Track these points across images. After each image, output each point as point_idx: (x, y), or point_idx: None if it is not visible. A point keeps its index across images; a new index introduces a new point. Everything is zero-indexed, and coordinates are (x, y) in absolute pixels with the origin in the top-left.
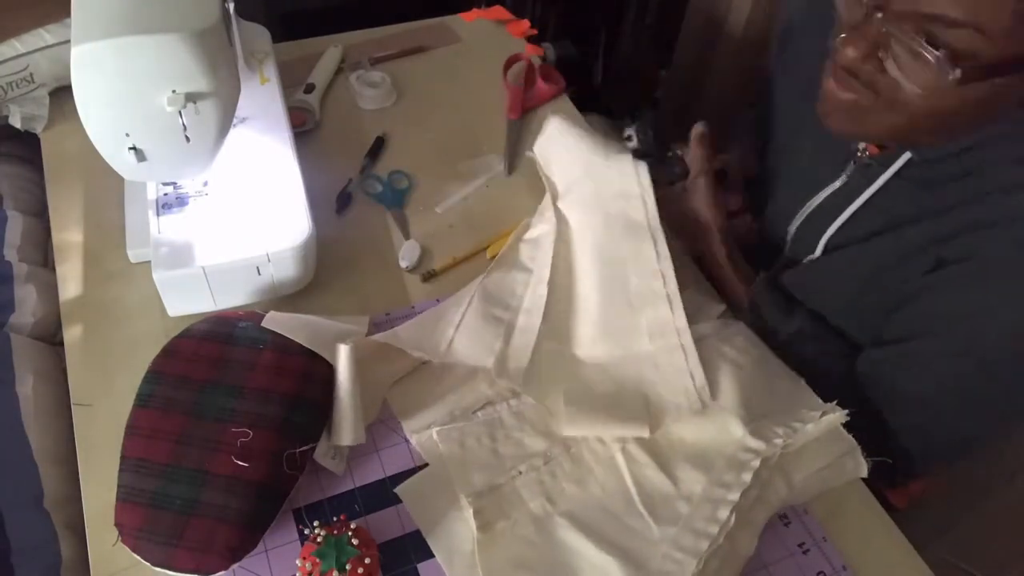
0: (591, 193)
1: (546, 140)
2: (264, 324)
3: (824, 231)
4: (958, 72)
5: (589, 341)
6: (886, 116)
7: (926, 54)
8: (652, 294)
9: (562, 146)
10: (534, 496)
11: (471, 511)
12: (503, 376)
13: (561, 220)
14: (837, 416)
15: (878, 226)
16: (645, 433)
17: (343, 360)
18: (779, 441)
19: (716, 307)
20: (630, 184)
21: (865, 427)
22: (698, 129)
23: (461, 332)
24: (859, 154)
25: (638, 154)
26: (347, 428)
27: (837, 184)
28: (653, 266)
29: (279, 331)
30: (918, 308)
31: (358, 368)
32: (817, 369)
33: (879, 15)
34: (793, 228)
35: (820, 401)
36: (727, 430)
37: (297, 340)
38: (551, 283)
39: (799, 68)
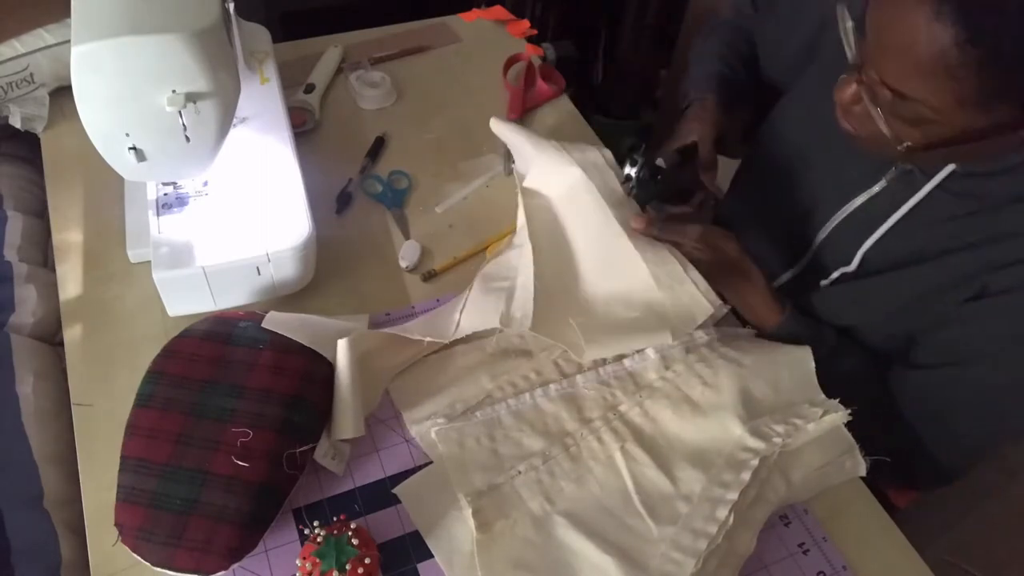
0: (556, 160)
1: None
2: (264, 324)
3: (862, 241)
4: (906, 144)
5: (590, 283)
6: (882, 149)
7: (880, 124)
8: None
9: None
10: (533, 496)
11: (470, 511)
12: (511, 326)
13: (533, 192)
14: (838, 416)
15: (921, 243)
16: (668, 339)
17: (343, 354)
18: (778, 440)
19: (718, 311)
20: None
21: (893, 437)
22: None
23: (467, 311)
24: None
25: (638, 199)
26: (347, 422)
27: (876, 189)
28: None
29: (279, 331)
30: (959, 332)
31: (359, 361)
32: (851, 383)
33: (860, 72)
34: (824, 234)
35: (824, 397)
36: (726, 429)
37: (298, 340)
38: (539, 245)
39: (833, 68)
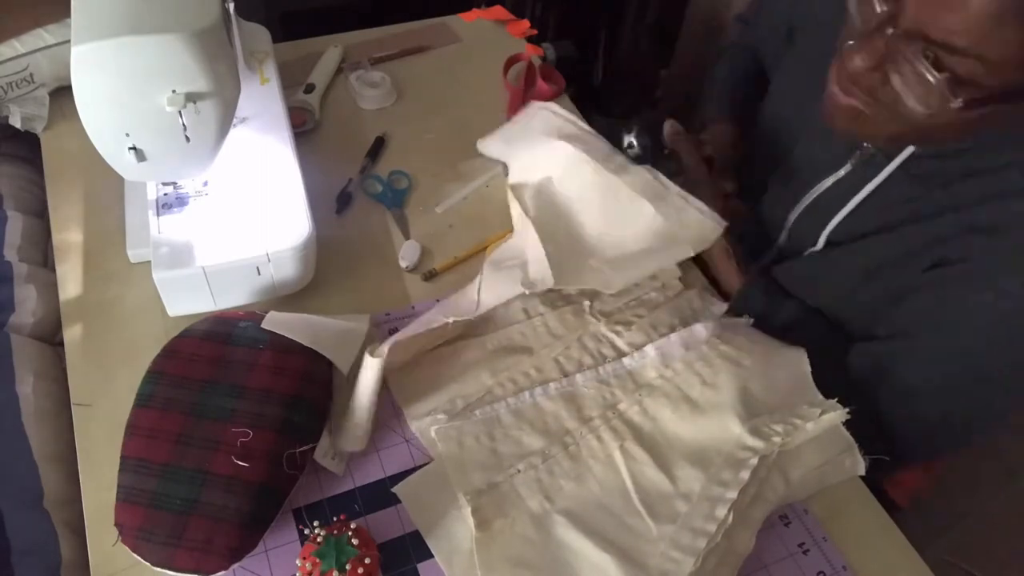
0: (542, 143)
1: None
2: (264, 325)
3: (826, 223)
4: (960, 100)
5: (599, 233)
6: (886, 124)
7: (929, 77)
8: (629, 170)
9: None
10: (532, 494)
11: (469, 510)
12: (534, 288)
13: (522, 185)
14: (837, 415)
15: (880, 221)
16: (691, 252)
17: (371, 371)
18: (777, 439)
19: (718, 306)
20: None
21: (858, 417)
22: (669, 128)
23: (484, 289)
24: (864, 145)
25: (639, 161)
26: (355, 435)
27: (840, 174)
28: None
29: (279, 331)
30: (915, 304)
31: (382, 378)
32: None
33: (890, 30)
34: (792, 217)
35: (822, 397)
36: (726, 428)
37: (298, 340)
38: (540, 219)
39: (810, 54)
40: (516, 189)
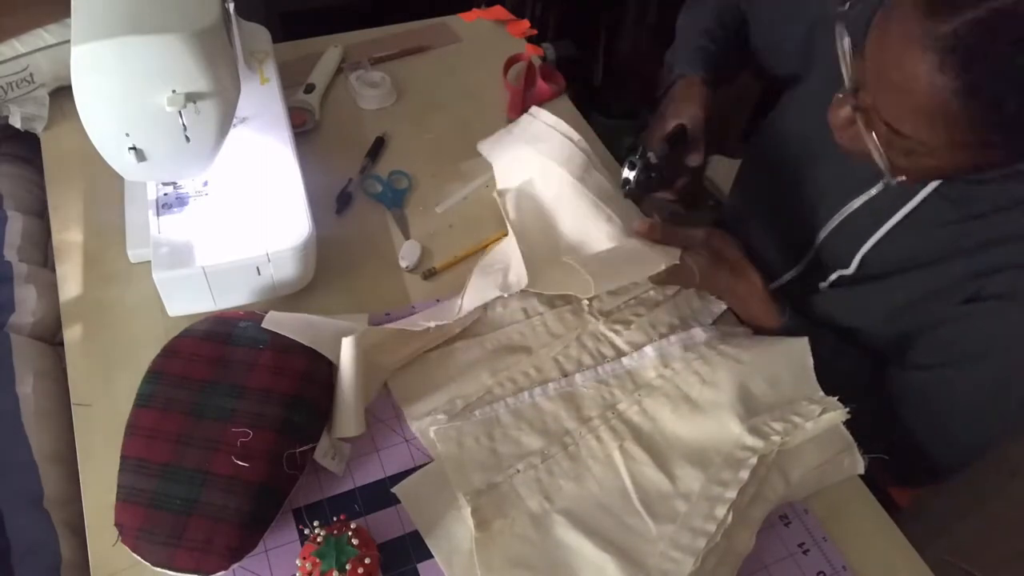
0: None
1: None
2: (264, 325)
3: (860, 245)
4: (901, 177)
5: (571, 241)
6: (874, 165)
7: (874, 153)
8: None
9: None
10: (532, 494)
11: (469, 510)
12: (509, 290)
13: (509, 190)
14: (837, 414)
15: (916, 248)
16: (676, 258)
17: (347, 351)
18: (777, 438)
19: (717, 305)
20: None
21: (890, 437)
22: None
23: (467, 294)
24: None
25: (632, 196)
26: (349, 420)
27: (873, 192)
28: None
29: (279, 331)
30: (954, 334)
31: (362, 357)
32: (849, 385)
33: (855, 99)
34: (822, 236)
35: (823, 394)
36: (725, 427)
37: (298, 340)
38: (523, 222)
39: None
40: (501, 193)
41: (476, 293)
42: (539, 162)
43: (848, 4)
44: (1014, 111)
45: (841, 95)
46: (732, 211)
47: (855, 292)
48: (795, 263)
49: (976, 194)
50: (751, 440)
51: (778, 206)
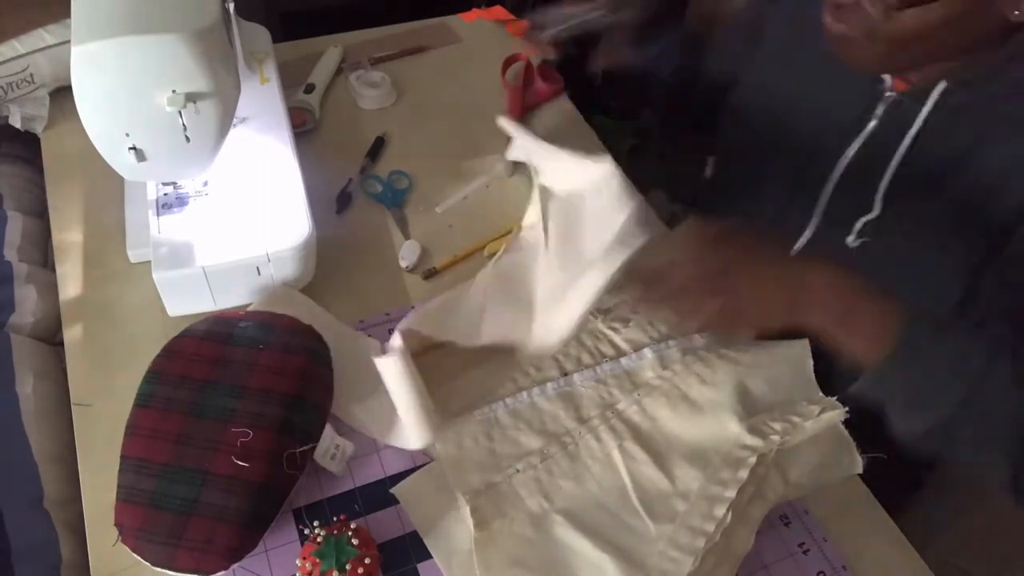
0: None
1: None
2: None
3: (876, 184)
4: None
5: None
6: (870, 46)
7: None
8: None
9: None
10: (531, 494)
11: (468, 509)
12: (526, 351)
13: (548, 189)
14: (836, 413)
15: (941, 163)
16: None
17: (390, 373)
18: (776, 438)
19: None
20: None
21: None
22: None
23: (487, 321)
24: (886, 93)
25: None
26: (411, 434)
27: (869, 128)
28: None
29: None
30: None
31: (408, 370)
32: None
33: None
34: (825, 197)
35: (822, 394)
36: (724, 427)
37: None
38: (552, 248)
39: (792, 7)
40: (543, 192)
41: (498, 327)
42: (600, 173)
43: None
44: None
45: None
46: (720, 185)
47: (900, 234)
48: (804, 226)
49: (979, 98)
50: (750, 439)
51: (768, 169)
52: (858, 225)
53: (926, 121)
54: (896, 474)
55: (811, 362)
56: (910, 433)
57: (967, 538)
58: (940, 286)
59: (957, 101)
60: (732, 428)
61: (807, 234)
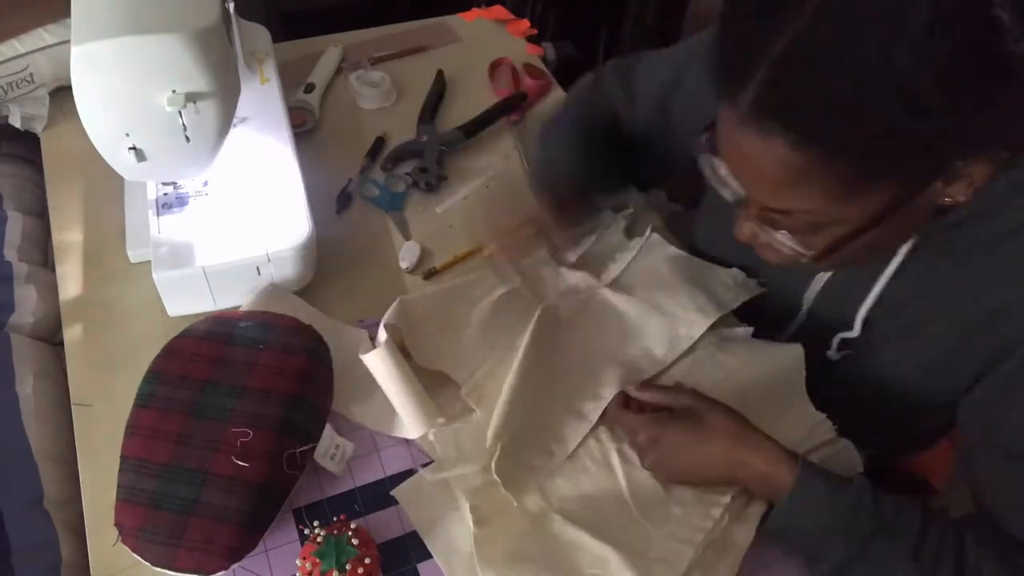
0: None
1: None
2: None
3: (857, 307)
4: (811, 253)
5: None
6: (803, 266)
7: (786, 244)
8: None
9: None
10: (529, 493)
11: (468, 506)
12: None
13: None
14: (826, 428)
15: (924, 299)
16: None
17: (378, 368)
18: None
19: (714, 312)
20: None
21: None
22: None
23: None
24: None
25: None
26: (408, 423)
27: None
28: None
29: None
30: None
31: (397, 363)
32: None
33: (746, 208)
34: (810, 299)
35: (814, 410)
36: None
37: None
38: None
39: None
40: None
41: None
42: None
43: (705, 135)
44: (849, 138)
45: (737, 215)
46: (711, 227)
47: (875, 355)
48: (787, 327)
49: (959, 235)
50: None
51: (750, 267)
52: (836, 340)
53: (909, 256)
54: (897, 473)
55: (804, 371)
56: None
57: None
58: (934, 399)
59: (936, 244)
60: None
61: (792, 329)
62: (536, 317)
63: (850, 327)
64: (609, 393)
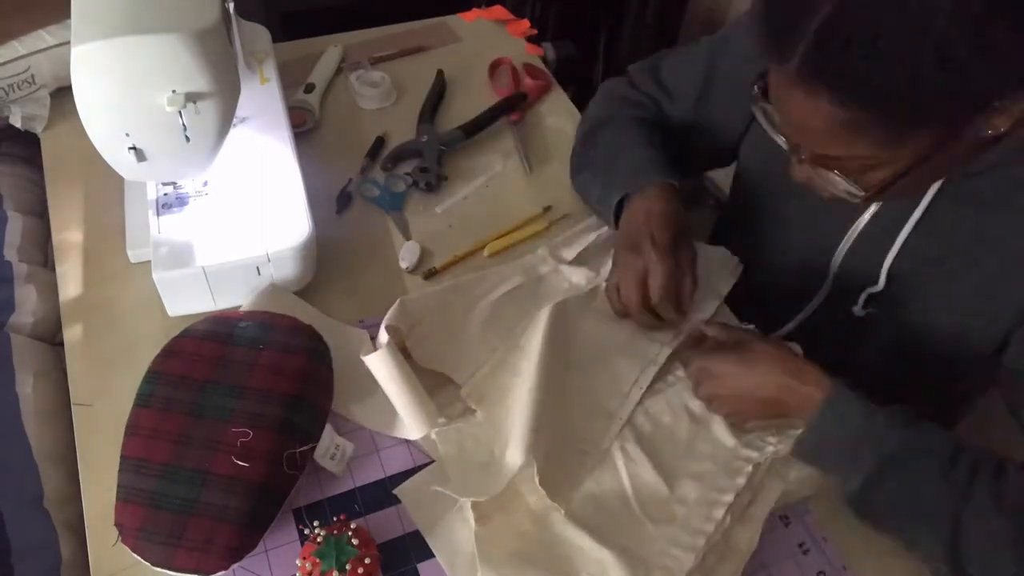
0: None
1: None
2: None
3: (881, 259)
4: (859, 198)
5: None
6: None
7: (839, 186)
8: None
9: None
10: (532, 491)
11: (469, 504)
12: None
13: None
14: None
15: (943, 246)
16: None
17: (379, 369)
18: (771, 448)
19: (711, 304)
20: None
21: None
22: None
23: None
24: None
25: None
26: (409, 424)
27: (873, 207)
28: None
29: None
30: None
31: (398, 364)
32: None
33: (799, 153)
34: (838, 259)
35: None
36: (721, 441)
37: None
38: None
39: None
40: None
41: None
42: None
43: (756, 87)
44: (890, 89)
45: (791, 159)
46: (738, 217)
47: (901, 309)
48: (814, 292)
49: (981, 185)
50: (746, 452)
51: (779, 239)
52: (863, 296)
53: (932, 204)
54: None
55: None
56: (848, 497)
57: None
58: (959, 356)
59: (957, 191)
60: (727, 442)
61: (814, 302)
62: (548, 318)
63: (876, 282)
64: (634, 391)
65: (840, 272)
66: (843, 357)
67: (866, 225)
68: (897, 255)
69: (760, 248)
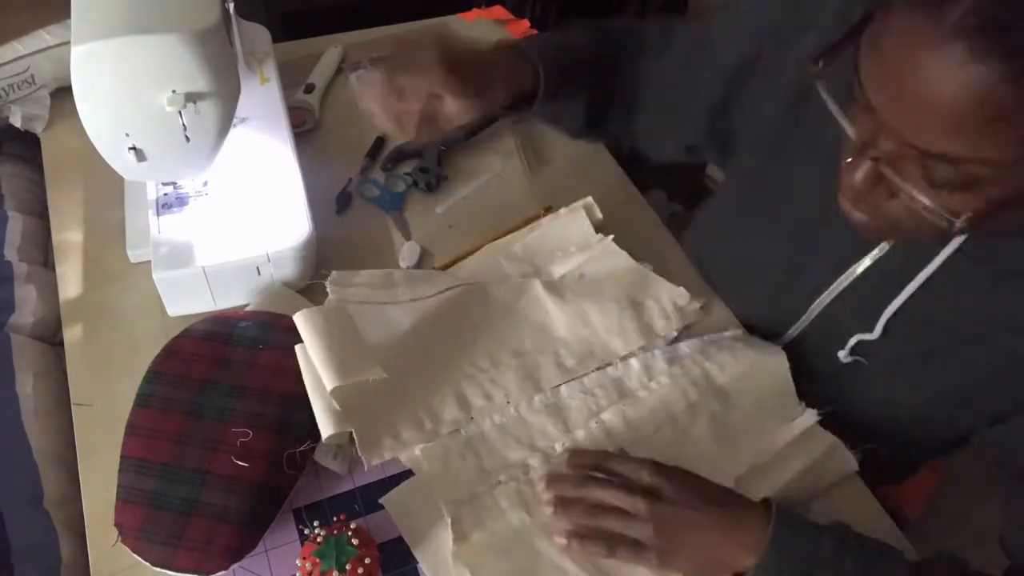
0: None
1: None
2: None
3: (881, 307)
4: (962, 220)
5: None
6: (915, 231)
7: (922, 198)
8: None
9: None
10: (513, 507)
11: (449, 521)
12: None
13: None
14: (807, 417)
15: (953, 317)
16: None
17: (306, 330)
18: (751, 459)
19: (636, 342)
20: None
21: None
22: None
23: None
24: None
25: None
26: (320, 419)
27: (877, 254)
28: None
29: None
30: None
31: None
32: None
33: (875, 149)
34: (825, 301)
35: (797, 400)
36: (705, 452)
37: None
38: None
39: (810, 127)
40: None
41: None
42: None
43: (821, 63)
44: None
45: (849, 160)
46: (704, 255)
47: (898, 362)
48: (782, 331)
49: (1005, 251)
50: (730, 466)
51: (757, 267)
52: (852, 341)
53: (946, 263)
54: (897, 474)
55: (787, 370)
56: None
57: (968, 540)
58: (937, 419)
59: (983, 251)
60: (712, 452)
61: (794, 332)
62: (463, 288)
63: (870, 330)
64: (499, 395)
65: (816, 322)
66: (819, 396)
67: (862, 273)
68: (900, 308)
69: (732, 268)
